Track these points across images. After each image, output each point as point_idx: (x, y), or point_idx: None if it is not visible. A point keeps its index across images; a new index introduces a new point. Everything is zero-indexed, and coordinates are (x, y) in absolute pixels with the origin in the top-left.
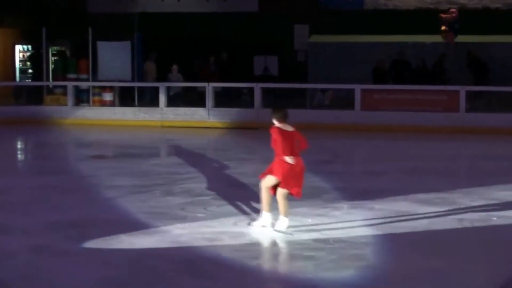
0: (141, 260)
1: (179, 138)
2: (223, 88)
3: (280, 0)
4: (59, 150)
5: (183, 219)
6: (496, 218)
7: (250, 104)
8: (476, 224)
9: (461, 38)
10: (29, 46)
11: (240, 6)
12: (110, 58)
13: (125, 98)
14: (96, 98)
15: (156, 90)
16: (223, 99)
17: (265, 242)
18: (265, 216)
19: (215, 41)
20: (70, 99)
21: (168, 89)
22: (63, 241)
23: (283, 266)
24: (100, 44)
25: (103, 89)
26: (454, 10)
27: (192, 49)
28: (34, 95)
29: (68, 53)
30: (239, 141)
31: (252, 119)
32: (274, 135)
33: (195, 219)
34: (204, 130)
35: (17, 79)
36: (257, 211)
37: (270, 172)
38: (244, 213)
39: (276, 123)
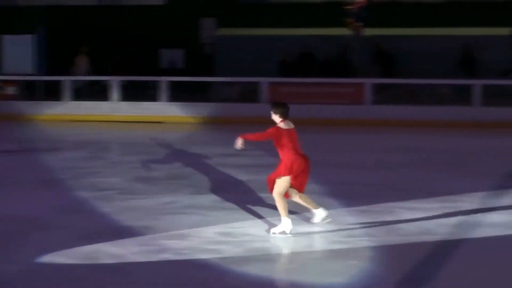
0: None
1: (84, 133)
2: (129, 81)
3: None
4: None
5: (88, 213)
6: (400, 208)
7: (157, 98)
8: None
9: (369, 31)
10: None
11: None
12: (14, 52)
13: (34, 92)
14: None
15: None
16: (130, 93)
17: (173, 235)
18: (285, 221)
19: (121, 34)
20: None
21: (74, 82)
22: None
23: (189, 260)
24: (5, 38)
25: (6, 83)
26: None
27: (98, 42)
28: None
29: None
30: (145, 134)
31: (158, 113)
32: (277, 135)
33: (101, 214)
34: (110, 124)
35: None
36: (164, 203)
37: (279, 174)
38: (149, 207)
39: (277, 120)
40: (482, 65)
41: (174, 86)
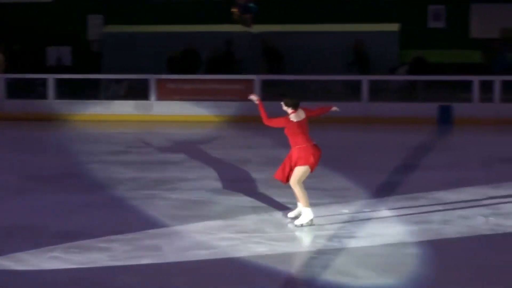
0: None
1: None
2: (16, 79)
3: None
4: None
5: None
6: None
7: (45, 96)
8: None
9: (258, 28)
10: None
11: None
12: None
13: None
14: None
15: None
16: (17, 91)
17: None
18: (307, 211)
19: (6, 31)
20: None
21: None
22: None
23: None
24: None
25: None
26: None
27: None
28: None
29: None
30: (32, 133)
31: (46, 111)
32: (286, 125)
33: None
34: None
35: None
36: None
37: (296, 164)
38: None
39: (289, 112)
40: (371, 61)
41: (61, 84)
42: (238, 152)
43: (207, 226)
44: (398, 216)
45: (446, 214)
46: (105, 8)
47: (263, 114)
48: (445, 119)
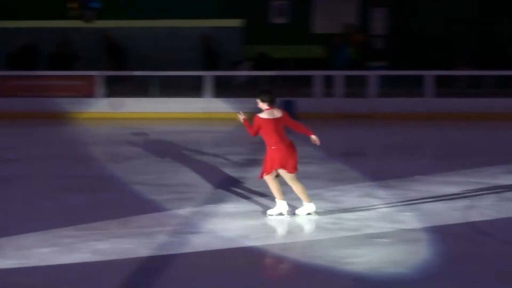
0: None
1: None
2: None
3: None
4: None
5: None
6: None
7: None
8: None
9: (100, 23)
10: None
11: None
12: None
13: None
14: None
15: None
16: None
17: None
18: (280, 204)
19: None
20: None
21: None
22: None
23: None
24: None
25: None
26: None
27: None
28: None
29: None
30: None
31: None
32: (260, 124)
33: None
34: None
35: None
36: None
37: (271, 167)
38: None
39: (263, 108)
40: (217, 56)
41: None
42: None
43: None
44: (240, 212)
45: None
46: None
47: (248, 130)
48: (288, 113)
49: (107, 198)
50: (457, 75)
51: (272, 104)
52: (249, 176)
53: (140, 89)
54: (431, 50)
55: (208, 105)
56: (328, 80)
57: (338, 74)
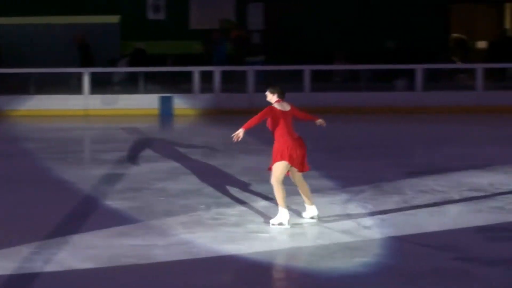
0: None
1: None
2: None
3: None
4: None
5: None
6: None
7: None
8: None
9: None
10: None
11: None
12: None
13: None
14: None
15: None
16: None
17: None
18: (283, 212)
19: None
20: None
21: None
22: None
23: None
24: None
25: None
26: None
27: None
28: None
29: None
30: None
31: None
32: (271, 114)
33: None
34: None
35: None
36: None
37: (281, 157)
38: None
39: (273, 101)
40: (94, 53)
41: None
42: None
43: None
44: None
45: (169, 203)
46: None
47: (252, 121)
48: (166, 110)
49: None
50: (335, 69)
51: (281, 97)
52: (129, 173)
53: (17, 86)
54: (309, 45)
55: (85, 103)
56: (207, 76)
57: (216, 69)
